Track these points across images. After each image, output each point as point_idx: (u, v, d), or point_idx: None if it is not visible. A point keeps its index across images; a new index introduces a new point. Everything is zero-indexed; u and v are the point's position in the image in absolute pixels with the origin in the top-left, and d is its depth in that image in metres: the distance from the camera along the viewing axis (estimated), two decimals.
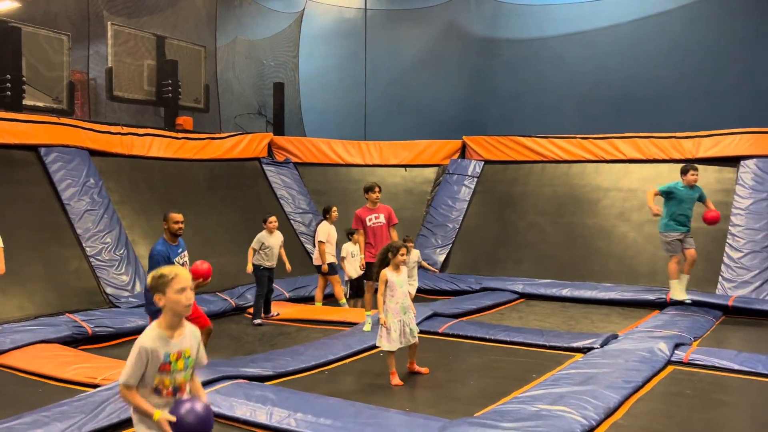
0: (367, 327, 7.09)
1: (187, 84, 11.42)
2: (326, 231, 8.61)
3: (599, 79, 12.17)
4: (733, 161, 10.03)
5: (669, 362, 5.81)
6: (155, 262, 5.56)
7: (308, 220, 11.46)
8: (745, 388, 5.26)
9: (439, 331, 7.11)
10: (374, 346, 6.53)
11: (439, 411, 4.65)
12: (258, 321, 7.86)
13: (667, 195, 7.87)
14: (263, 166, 11.87)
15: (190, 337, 2.96)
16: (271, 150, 12.34)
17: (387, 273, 5.46)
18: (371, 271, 7.32)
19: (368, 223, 7.50)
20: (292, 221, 11.33)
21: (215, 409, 4.51)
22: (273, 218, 8.07)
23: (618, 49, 12.12)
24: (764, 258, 8.75)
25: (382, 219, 7.55)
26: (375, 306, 7.20)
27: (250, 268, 7.95)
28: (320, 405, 4.54)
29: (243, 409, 4.48)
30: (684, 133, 10.53)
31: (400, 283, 5.47)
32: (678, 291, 7.90)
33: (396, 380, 5.41)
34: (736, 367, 5.64)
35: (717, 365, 5.71)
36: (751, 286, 8.56)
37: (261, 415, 4.39)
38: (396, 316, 5.41)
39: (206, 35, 12.18)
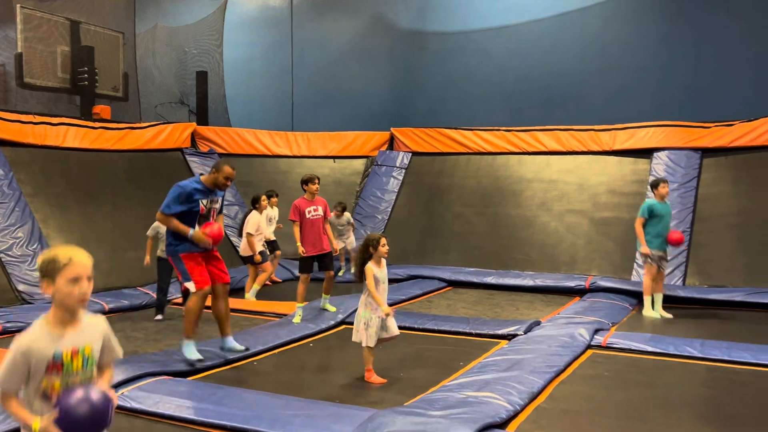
0: (297, 319, 7.05)
1: (105, 72, 10.96)
2: (256, 222, 8.39)
3: (522, 72, 12.48)
4: (646, 153, 10.52)
5: (589, 346, 6.05)
6: (173, 193, 5.13)
7: (234, 212, 11.25)
8: (659, 368, 5.53)
9: None
10: (304, 337, 6.52)
11: (368, 402, 4.66)
12: (158, 317, 7.33)
13: (650, 215, 7.59)
14: (186, 156, 11.55)
15: (90, 330, 2.45)
16: (195, 140, 12.02)
17: (373, 268, 5.25)
18: (306, 264, 7.31)
19: (307, 216, 7.28)
20: None
21: (138, 405, 4.37)
22: None
23: (540, 44, 12.46)
24: None
25: (320, 212, 7.37)
26: (307, 298, 7.27)
27: (147, 260, 7.31)
28: (247, 399, 4.47)
29: (168, 405, 4.35)
30: (601, 126, 10.95)
31: (384, 278, 5.31)
32: (649, 308, 7.62)
33: (374, 377, 5.19)
34: (650, 349, 5.93)
35: (632, 348, 5.98)
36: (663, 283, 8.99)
37: (186, 410, 4.28)
38: (375, 312, 5.24)
39: (124, 21, 11.72)
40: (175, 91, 12.99)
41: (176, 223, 5.31)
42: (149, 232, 7.42)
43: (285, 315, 7.46)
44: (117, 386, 4.57)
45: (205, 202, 5.39)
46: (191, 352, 5.42)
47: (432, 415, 4.05)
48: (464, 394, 4.47)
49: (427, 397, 4.52)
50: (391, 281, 9.70)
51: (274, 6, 14.57)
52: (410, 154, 12.23)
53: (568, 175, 10.94)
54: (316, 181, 7.42)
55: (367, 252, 5.27)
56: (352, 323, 7.13)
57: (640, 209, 7.74)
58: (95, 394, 2.32)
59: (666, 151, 10.34)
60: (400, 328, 6.88)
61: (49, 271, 2.34)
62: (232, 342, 5.71)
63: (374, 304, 5.23)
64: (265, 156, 12.39)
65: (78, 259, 2.36)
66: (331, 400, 4.61)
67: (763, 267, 8.77)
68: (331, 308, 7.43)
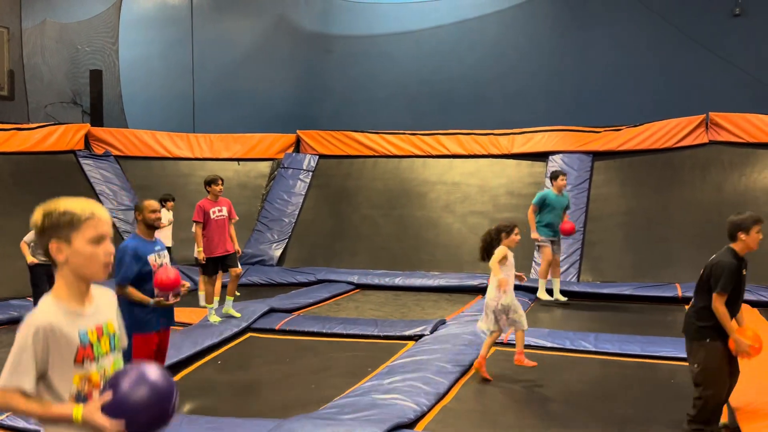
0: (213, 318, 7.04)
1: None
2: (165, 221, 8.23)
3: (425, 77, 12.75)
4: (542, 156, 11.01)
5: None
6: (121, 260, 4.40)
7: (132, 217, 10.81)
8: (557, 364, 5.81)
9: (276, 328, 7.05)
10: (209, 348, 6.34)
11: (276, 412, 4.61)
12: None
13: (542, 204, 8.10)
14: (79, 159, 11.00)
15: (104, 303, 1.98)
16: (89, 142, 11.46)
17: (507, 251, 5.13)
18: (210, 267, 7.26)
19: (212, 216, 7.27)
20: (114, 219, 10.63)
21: (31, 427, 4.13)
22: None
23: (442, 50, 12.78)
24: (570, 243, 9.70)
25: (224, 212, 7.41)
26: (219, 297, 7.33)
27: (33, 260, 7.05)
28: None
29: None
30: (500, 131, 11.37)
31: (512, 264, 5.20)
32: (542, 291, 8.08)
33: (484, 372, 5.14)
34: (548, 344, 6.22)
35: (532, 344, 6.24)
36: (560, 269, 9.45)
37: None
38: (495, 300, 5.10)
39: (9, 15, 10.98)
40: (66, 90, 12.32)
41: (137, 294, 4.44)
42: (26, 238, 7.21)
43: (188, 324, 7.21)
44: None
45: (152, 257, 4.64)
46: None
47: (341, 419, 4.08)
48: (372, 398, 4.52)
49: (336, 403, 4.54)
50: (299, 285, 9.69)
51: (173, 4, 14.12)
52: (317, 156, 12.20)
53: (470, 177, 11.27)
54: (220, 182, 7.44)
55: (498, 237, 5.20)
56: (258, 329, 7.06)
57: (535, 196, 8.13)
58: (155, 375, 1.79)
59: (560, 155, 10.86)
60: (307, 333, 6.92)
61: (62, 227, 1.81)
62: None
63: (498, 293, 5.10)
64: (165, 158, 11.98)
65: (101, 214, 1.90)
66: (236, 415, 4.52)
67: (648, 263, 9.41)
68: (236, 314, 7.28)
